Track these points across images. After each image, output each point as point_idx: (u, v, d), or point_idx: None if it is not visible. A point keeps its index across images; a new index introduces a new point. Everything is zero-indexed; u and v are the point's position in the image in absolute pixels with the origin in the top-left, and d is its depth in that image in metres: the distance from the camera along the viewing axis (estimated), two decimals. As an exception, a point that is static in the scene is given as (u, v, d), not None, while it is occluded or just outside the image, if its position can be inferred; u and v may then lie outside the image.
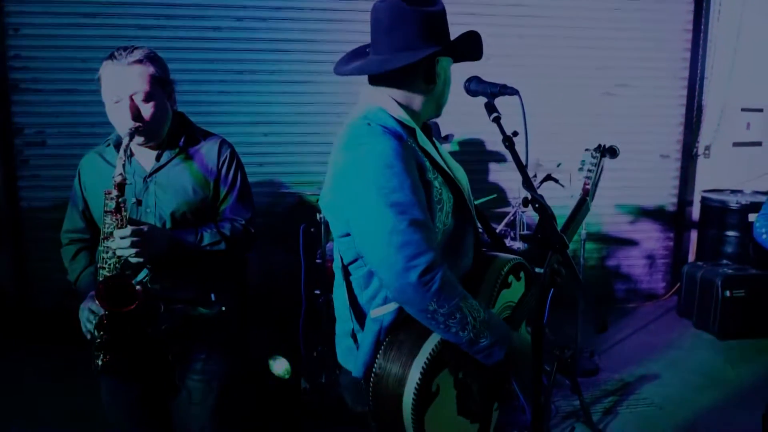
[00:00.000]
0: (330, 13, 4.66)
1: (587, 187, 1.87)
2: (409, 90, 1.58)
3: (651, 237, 5.53)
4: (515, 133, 1.51)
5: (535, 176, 4.00)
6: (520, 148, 1.50)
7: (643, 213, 5.44)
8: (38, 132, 4.49)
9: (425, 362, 1.45)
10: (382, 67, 1.53)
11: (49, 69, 4.41)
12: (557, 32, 4.97)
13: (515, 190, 4.75)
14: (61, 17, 4.36)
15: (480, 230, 1.78)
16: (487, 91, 1.57)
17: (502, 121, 1.54)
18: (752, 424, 2.61)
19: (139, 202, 1.97)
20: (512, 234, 3.88)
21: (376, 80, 1.62)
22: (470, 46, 1.60)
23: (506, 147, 1.47)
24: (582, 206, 1.85)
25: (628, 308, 5.36)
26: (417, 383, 1.43)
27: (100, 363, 1.89)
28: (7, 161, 4.44)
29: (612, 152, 1.90)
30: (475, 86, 1.61)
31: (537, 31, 4.91)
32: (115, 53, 1.96)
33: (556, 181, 3.74)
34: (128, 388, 2.03)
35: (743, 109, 5.42)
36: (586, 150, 1.91)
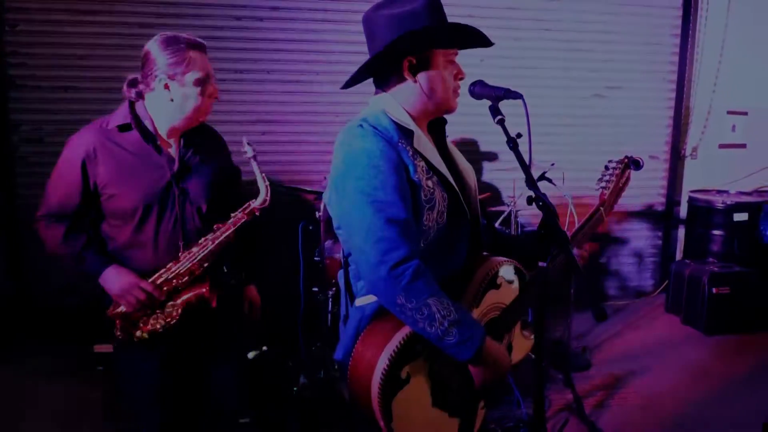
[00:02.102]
0: (327, 14, 4.72)
1: (603, 198, 1.93)
2: (398, 91, 1.68)
3: (640, 236, 5.65)
4: (519, 135, 1.58)
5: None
6: (523, 148, 1.58)
7: (632, 212, 5.55)
8: (35, 129, 4.49)
9: (395, 349, 1.53)
10: (357, 71, 1.67)
11: (47, 66, 4.42)
12: (550, 35, 5.06)
13: (509, 189, 4.84)
14: (59, 14, 4.37)
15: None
16: (492, 95, 1.64)
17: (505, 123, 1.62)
18: (741, 418, 2.70)
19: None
20: (507, 232, 3.96)
21: (376, 85, 1.75)
22: (449, 36, 1.64)
23: (510, 148, 1.55)
24: (594, 215, 1.90)
25: (618, 305, 5.47)
26: (384, 369, 1.51)
27: (139, 334, 2.06)
28: (4, 158, 4.46)
29: (636, 164, 1.95)
30: (480, 89, 1.68)
31: (531, 34, 4.99)
32: (195, 40, 2.22)
33: (549, 180, 3.86)
34: (149, 357, 2.12)
35: (729, 112, 5.55)
36: (610, 161, 1.96)
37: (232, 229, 2.19)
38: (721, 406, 3.61)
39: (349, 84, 1.75)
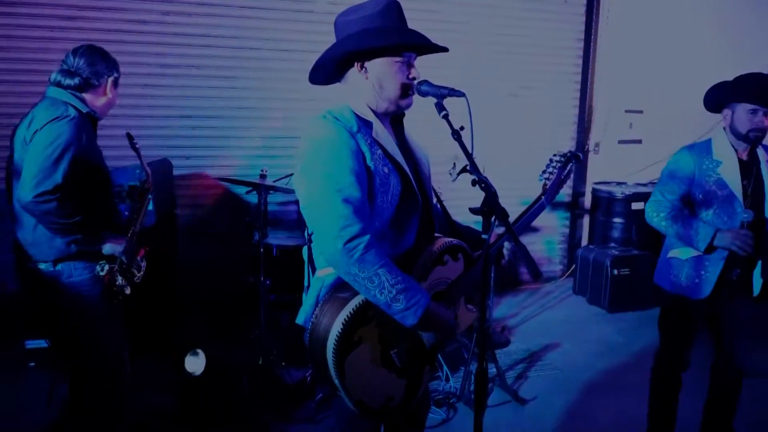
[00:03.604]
0: (253, 11, 4.80)
1: (545, 188, 2.12)
2: (355, 87, 1.87)
3: (549, 225, 6.11)
4: (462, 128, 1.81)
5: (454, 166, 4.38)
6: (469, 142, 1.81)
7: (543, 203, 5.98)
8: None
9: (348, 314, 1.72)
10: (313, 68, 1.87)
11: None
12: (468, 37, 5.40)
13: (445, 182, 5.10)
14: (-24, 5, 4.25)
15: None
16: (438, 93, 1.85)
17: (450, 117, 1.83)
18: (640, 382, 3.07)
19: None
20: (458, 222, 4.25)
21: (338, 80, 1.93)
22: (393, 43, 1.82)
23: (455, 139, 1.78)
24: (537, 203, 2.09)
25: (532, 289, 5.90)
26: (338, 331, 1.70)
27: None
28: None
29: (577, 158, 2.17)
30: (426, 88, 1.89)
31: (450, 36, 5.28)
32: None
33: (471, 173, 4.14)
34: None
35: (626, 111, 6.09)
36: (554, 155, 2.16)
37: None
38: (626, 373, 4.05)
39: (311, 79, 1.93)
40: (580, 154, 2.19)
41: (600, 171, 6.13)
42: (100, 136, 2.56)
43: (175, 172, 4.52)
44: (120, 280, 2.40)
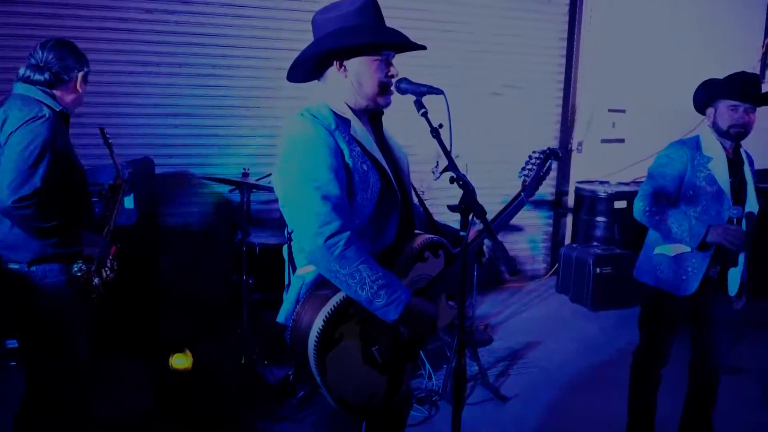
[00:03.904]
0: (238, 9, 4.78)
1: (525, 184, 2.14)
2: (334, 84, 1.87)
3: (533, 224, 6.15)
4: (440, 125, 1.82)
5: (437, 165, 4.40)
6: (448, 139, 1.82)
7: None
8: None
9: (329, 311, 1.72)
10: (291, 66, 1.86)
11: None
12: (450, 36, 5.42)
13: (416, 182, 5.11)
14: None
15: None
16: (416, 91, 1.86)
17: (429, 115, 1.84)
18: (621, 379, 3.10)
19: None
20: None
21: (317, 78, 1.93)
22: (372, 40, 1.82)
23: (434, 137, 1.79)
24: (516, 200, 2.11)
25: (515, 288, 5.93)
26: (320, 328, 1.71)
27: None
28: None
29: (556, 155, 2.19)
30: (405, 86, 1.90)
31: (432, 34, 5.29)
32: None
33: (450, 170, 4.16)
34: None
35: (609, 110, 6.13)
36: (533, 152, 2.18)
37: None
38: (607, 370, 4.08)
39: (289, 77, 1.93)
40: (559, 151, 2.20)
41: (583, 170, 6.16)
42: (82, 135, 2.55)
43: (158, 171, 4.49)
44: (96, 280, 2.38)
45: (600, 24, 5.92)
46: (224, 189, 4.75)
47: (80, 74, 2.47)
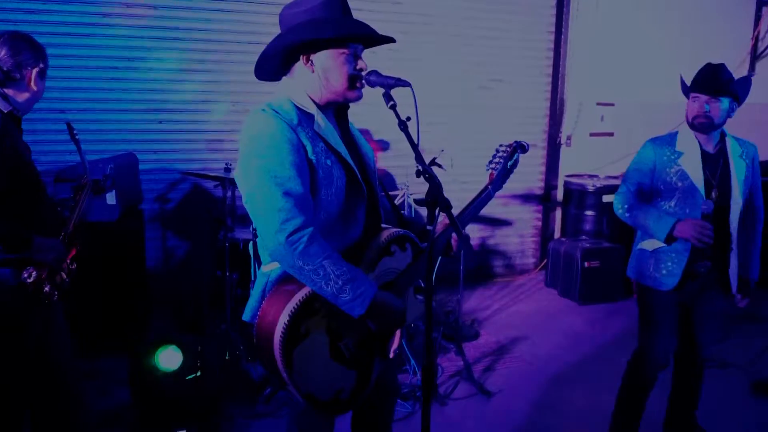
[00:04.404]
0: (222, 3, 4.76)
1: (492, 177, 2.13)
2: (301, 79, 1.84)
3: (522, 218, 6.14)
4: (408, 118, 1.79)
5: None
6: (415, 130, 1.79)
7: (515, 196, 6.01)
8: None
9: (294, 306, 1.70)
10: (258, 62, 1.84)
11: None
12: (437, 29, 5.38)
13: (402, 176, 5.11)
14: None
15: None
16: (385, 83, 1.84)
17: (397, 108, 1.81)
18: (612, 374, 3.08)
19: None
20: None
21: (284, 72, 1.90)
22: (340, 33, 1.79)
23: (401, 129, 1.76)
24: (483, 193, 2.09)
25: (504, 282, 5.93)
26: (285, 324, 1.68)
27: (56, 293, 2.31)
28: None
29: (523, 148, 2.18)
30: (374, 78, 1.87)
31: (418, 28, 5.28)
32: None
33: (440, 165, 4.15)
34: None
35: (598, 104, 6.12)
36: (501, 145, 2.17)
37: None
38: (592, 364, 4.08)
39: (257, 75, 1.90)
40: (526, 144, 2.19)
41: (572, 164, 6.15)
42: (62, 131, 2.50)
43: (143, 167, 4.47)
44: (48, 287, 2.25)
45: (588, 16, 5.90)
46: (210, 184, 4.73)
47: (35, 70, 2.29)
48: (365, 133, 5.28)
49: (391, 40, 1.91)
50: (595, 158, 6.12)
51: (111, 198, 3.87)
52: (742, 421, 3.42)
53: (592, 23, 5.91)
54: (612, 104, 6.14)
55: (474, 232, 5.88)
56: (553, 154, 6.11)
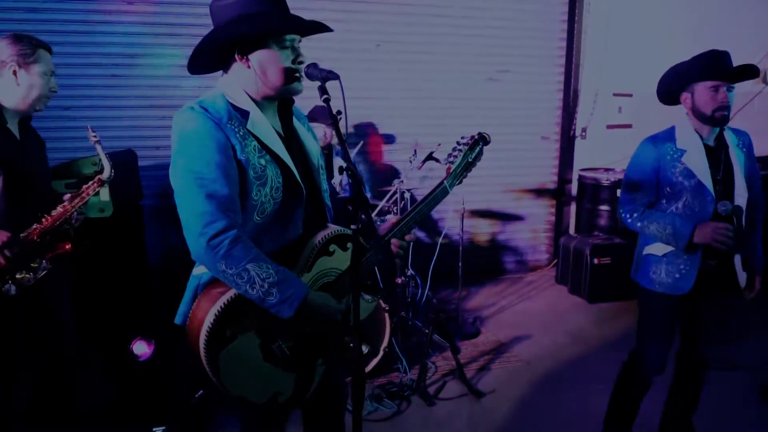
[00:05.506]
0: None
1: (449, 171, 2.03)
2: (236, 74, 1.78)
3: (534, 213, 5.97)
4: (339, 112, 1.72)
5: (415, 153, 4.29)
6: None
7: (527, 191, 5.85)
8: None
9: (219, 309, 1.66)
10: (191, 57, 1.78)
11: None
12: (442, 21, 5.24)
13: (407, 170, 5.01)
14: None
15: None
16: (319, 76, 1.76)
17: (331, 103, 1.74)
18: (604, 374, 2.96)
19: None
20: (395, 210, 4.14)
21: (221, 68, 1.83)
22: (272, 24, 1.72)
23: (329, 124, 1.69)
24: (438, 187, 1.99)
25: (515, 278, 5.79)
26: (209, 326, 1.64)
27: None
28: None
29: (484, 139, 2.08)
30: (311, 71, 1.80)
31: (424, 20, 5.16)
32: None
33: (437, 160, 4.05)
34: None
35: (615, 94, 5.90)
36: (462, 137, 2.08)
37: (87, 196, 2.46)
38: (591, 364, 3.93)
39: (190, 70, 1.84)
40: (487, 136, 2.09)
41: (589, 157, 5.95)
42: (66, 128, 2.49)
43: (145, 163, 4.50)
44: (8, 286, 2.23)
45: (603, 2, 5.68)
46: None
47: (15, 68, 2.31)
48: (370, 126, 5.22)
49: (325, 29, 1.83)
50: (613, 151, 5.87)
51: (105, 194, 3.90)
52: (747, 426, 3.24)
53: (607, 9, 5.69)
54: (630, 95, 5.90)
55: (484, 227, 5.75)
56: (566, 147, 5.93)
